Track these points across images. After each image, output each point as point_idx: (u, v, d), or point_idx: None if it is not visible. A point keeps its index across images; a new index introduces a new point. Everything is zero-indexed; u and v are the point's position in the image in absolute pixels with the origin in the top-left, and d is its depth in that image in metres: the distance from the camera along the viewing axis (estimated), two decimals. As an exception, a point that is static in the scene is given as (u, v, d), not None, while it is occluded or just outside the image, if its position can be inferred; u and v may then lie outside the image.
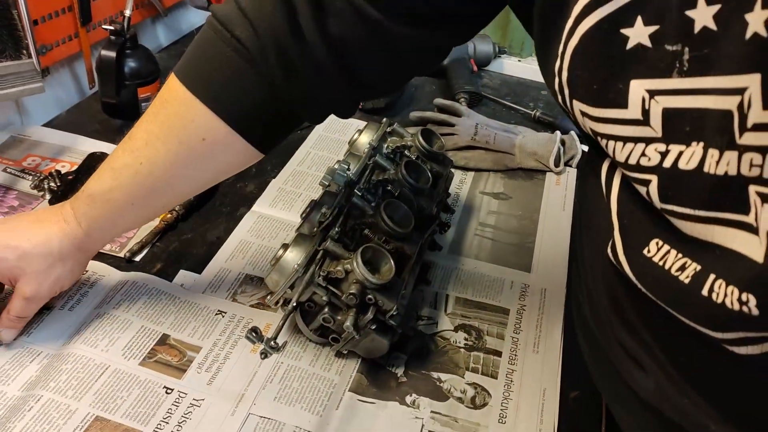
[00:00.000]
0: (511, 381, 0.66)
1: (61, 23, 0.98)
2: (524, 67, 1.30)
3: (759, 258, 0.33)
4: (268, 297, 0.64)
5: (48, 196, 0.84)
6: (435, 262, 0.80)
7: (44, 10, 0.94)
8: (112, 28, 0.94)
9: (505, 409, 0.63)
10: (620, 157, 0.39)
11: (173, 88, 0.58)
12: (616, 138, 0.39)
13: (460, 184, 0.96)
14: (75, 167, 0.89)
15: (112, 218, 0.62)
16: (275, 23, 0.52)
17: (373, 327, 0.62)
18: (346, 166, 0.71)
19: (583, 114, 0.41)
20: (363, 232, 0.68)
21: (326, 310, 0.63)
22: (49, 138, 0.96)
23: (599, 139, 0.41)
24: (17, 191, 0.85)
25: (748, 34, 0.31)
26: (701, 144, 0.35)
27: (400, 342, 0.68)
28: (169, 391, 0.62)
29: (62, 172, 0.87)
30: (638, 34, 0.36)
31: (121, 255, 0.76)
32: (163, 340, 0.66)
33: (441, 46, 0.59)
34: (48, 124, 1.00)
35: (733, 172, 0.33)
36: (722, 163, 0.34)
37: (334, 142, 1.02)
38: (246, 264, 0.77)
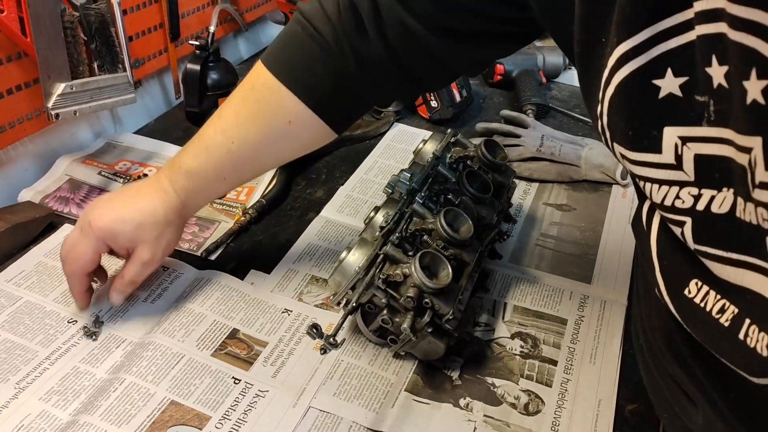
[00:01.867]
0: (566, 390, 0.66)
1: (152, 39, 1.07)
2: (595, 79, 1.28)
3: None
4: (331, 297, 0.68)
5: (136, 198, 0.91)
6: (495, 270, 0.82)
7: (138, 28, 1.03)
8: (197, 43, 1.02)
9: (558, 417, 0.64)
10: (656, 199, 0.41)
11: (261, 74, 0.65)
12: (653, 180, 0.41)
13: (524, 194, 0.97)
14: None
15: (205, 190, 0.71)
16: (347, 22, 0.61)
17: (430, 330, 0.64)
18: (409, 175, 0.74)
19: (623, 156, 0.43)
20: (422, 239, 0.70)
21: (385, 312, 0.66)
22: (138, 144, 1.04)
23: (638, 180, 0.43)
24: (109, 191, 0.92)
25: (749, 100, 0.33)
26: (731, 190, 0.36)
27: (456, 346, 0.70)
28: (237, 381, 0.66)
29: (149, 176, 0.95)
30: (669, 85, 0.38)
31: (198, 254, 0.82)
32: (234, 334, 0.71)
33: (484, 59, 0.67)
34: (138, 132, 1.09)
35: (754, 221, 0.35)
36: (747, 211, 0.35)
37: (400, 152, 1.05)
38: (312, 266, 0.81)
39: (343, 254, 0.67)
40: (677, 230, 0.40)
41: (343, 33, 0.62)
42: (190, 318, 0.72)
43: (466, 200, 0.75)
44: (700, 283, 0.40)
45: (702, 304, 0.39)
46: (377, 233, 0.69)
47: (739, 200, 0.36)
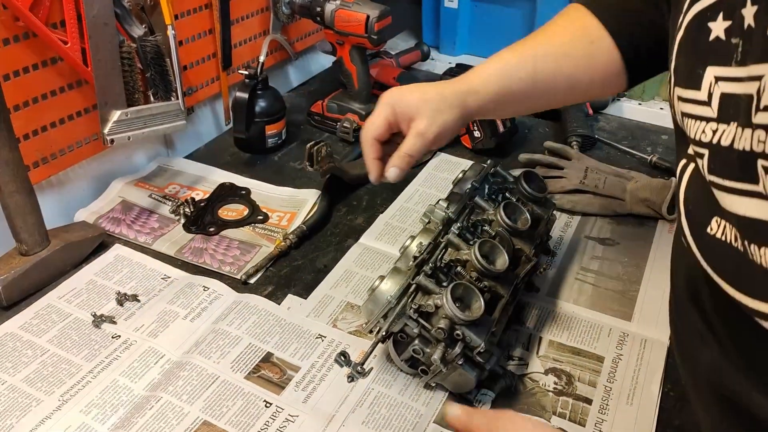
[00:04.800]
0: (600, 431, 0.65)
1: (205, 68, 1.11)
2: (644, 111, 1.27)
3: None
4: (364, 325, 0.68)
5: (183, 221, 0.94)
6: (532, 303, 0.81)
7: (193, 58, 1.08)
8: (246, 72, 1.05)
9: (591, 459, 0.62)
10: (691, 134, 0.45)
11: (572, 5, 0.73)
12: (691, 116, 0.45)
13: (565, 227, 0.95)
14: (206, 195, 1.00)
15: (494, 83, 0.71)
16: None
17: (461, 362, 0.64)
18: (445, 204, 0.74)
19: (678, 98, 0.47)
20: (457, 269, 0.70)
21: (416, 341, 0.66)
22: (188, 168, 1.08)
23: (683, 119, 0.46)
24: (158, 215, 0.96)
25: None
26: (735, 123, 0.40)
27: (488, 379, 0.69)
28: (268, 404, 0.67)
29: (196, 199, 0.98)
30: (718, 28, 0.42)
31: (238, 277, 0.84)
32: (267, 357, 0.72)
33: None
34: (189, 156, 1.13)
35: (747, 148, 0.39)
36: (743, 139, 0.39)
37: (442, 181, 1.05)
38: (349, 292, 0.82)
39: (377, 282, 0.68)
40: (700, 163, 0.44)
41: None
42: (227, 340, 0.74)
43: (502, 232, 0.75)
44: (719, 219, 0.43)
45: (722, 237, 0.43)
46: (411, 262, 0.69)
47: (739, 130, 0.39)
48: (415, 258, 0.69)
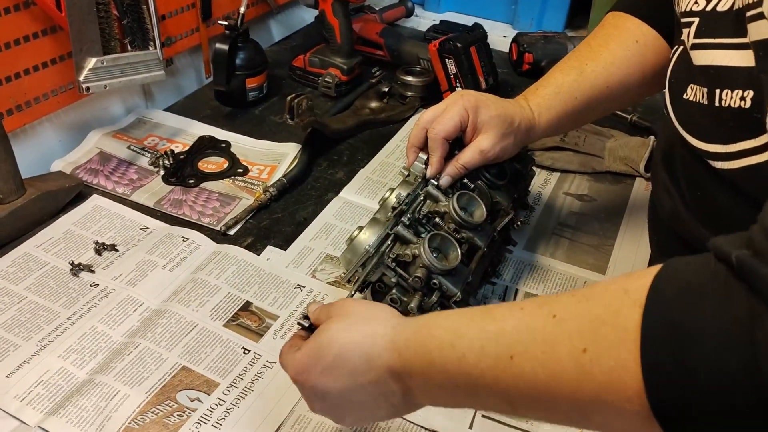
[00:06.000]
0: (571, 377, 0.66)
1: (184, 18, 1.09)
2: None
3: (752, 63, 0.45)
4: (342, 274, 0.69)
5: (162, 173, 0.94)
6: (508, 257, 0.82)
7: (171, 7, 1.05)
8: (226, 23, 1.03)
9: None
10: (681, 7, 0.52)
11: (608, 16, 0.76)
12: None
13: (544, 183, 0.96)
14: (186, 148, 0.99)
15: (555, 108, 0.73)
16: None
17: (438, 310, 0.65)
18: (425, 158, 0.74)
19: None
20: (435, 221, 0.70)
21: (394, 291, 0.67)
22: (167, 121, 1.06)
23: None
24: (137, 166, 0.95)
25: None
26: None
27: (464, 329, 0.70)
28: (246, 351, 0.68)
29: (175, 151, 0.97)
30: None
31: (218, 228, 0.84)
32: (246, 306, 0.73)
33: None
34: (168, 109, 1.11)
35: (739, 4, 0.46)
36: (740, 2, 0.45)
37: (423, 137, 1.05)
38: (328, 244, 0.83)
39: (355, 232, 0.68)
40: (686, 31, 0.50)
41: None
42: (206, 289, 0.74)
43: (481, 185, 0.75)
44: (694, 86, 0.51)
45: (693, 99, 0.51)
46: (390, 213, 0.69)
47: None
48: (394, 209, 0.69)
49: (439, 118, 0.70)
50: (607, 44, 0.73)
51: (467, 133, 0.71)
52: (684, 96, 0.52)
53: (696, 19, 0.50)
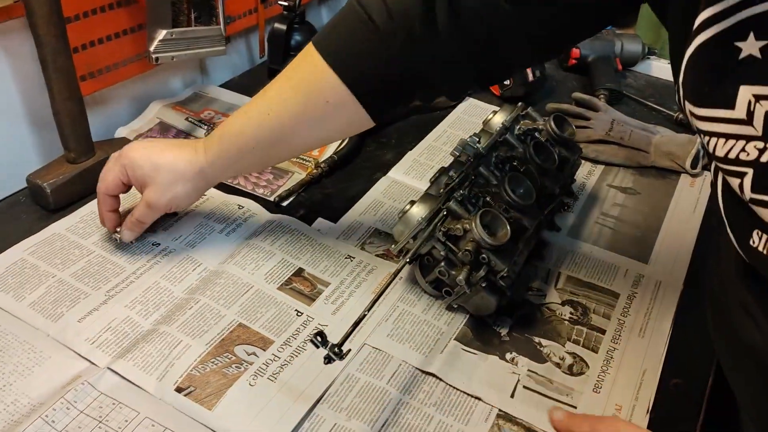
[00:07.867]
0: (611, 357, 0.68)
1: (244, -1, 1.13)
2: (674, 71, 1.27)
3: None
4: (393, 246, 0.72)
5: (218, 144, 0.97)
6: (552, 242, 0.84)
7: (233, -14, 1.09)
8: (286, 3, 1.07)
9: (601, 381, 0.66)
10: (720, 152, 0.45)
11: (309, 54, 0.66)
12: (719, 135, 0.45)
13: (588, 175, 0.98)
14: (242, 122, 1.03)
15: (233, 156, 0.71)
16: (412, 14, 0.62)
17: (484, 285, 0.68)
18: (477, 139, 0.77)
19: (691, 114, 0.47)
20: (485, 199, 0.73)
21: (443, 264, 0.70)
22: (223, 96, 1.10)
23: (702, 136, 0.47)
24: (194, 137, 0.99)
25: None
26: None
27: (507, 308, 0.72)
28: (299, 313, 0.71)
29: (231, 125, 1.01)
30: (750, 46, 0.42)
31: (271, 199, 0.88)
32: (299, 272, 0.76)
33: (558, 39, 0.67)
34: (223, 85, 1.15)
35: None
36: None
37: (470, 124, 1.08)
38: (376, 220, 0.86)
39: (408, 206, 0.71)
40: (735, 182, 0.44)
41: (401, 21, 0.62)
42: (261, 254, 0.78)
43: (530, 169, 0.77)
44: (760, 233, 0.44)
45: (763, 250, 0.44)
46: (442, 190, 0.72)
47: None
48: (447, 185, 0.72)
49: (102, 176, 0.73)
50: (295, 95, 0.67)
51: (136, 187, 0.74)
52: (751, 243, 0.46)
53: (749, 171, 0.43)
